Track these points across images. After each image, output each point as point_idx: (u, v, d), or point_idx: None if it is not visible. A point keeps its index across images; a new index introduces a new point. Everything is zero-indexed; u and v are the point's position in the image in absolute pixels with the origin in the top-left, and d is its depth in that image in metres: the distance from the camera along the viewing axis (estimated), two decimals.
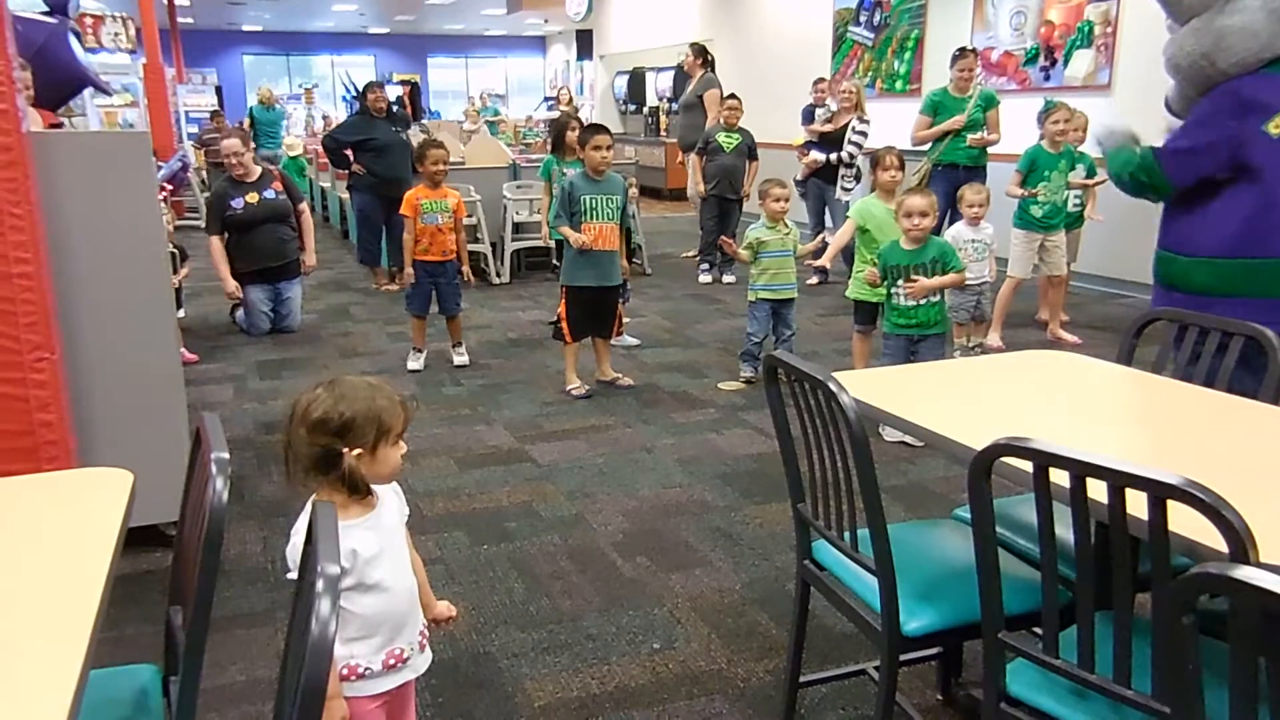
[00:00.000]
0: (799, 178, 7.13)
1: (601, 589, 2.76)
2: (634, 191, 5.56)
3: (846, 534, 1.81)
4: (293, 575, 1.46)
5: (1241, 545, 1.04)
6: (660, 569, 2.88)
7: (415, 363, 5.07)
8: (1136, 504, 1.20)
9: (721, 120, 7.12)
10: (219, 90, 19.65)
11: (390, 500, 1.63)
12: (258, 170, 5.80)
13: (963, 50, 6.21)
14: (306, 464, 1.49)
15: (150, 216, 2.94)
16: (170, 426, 2.95)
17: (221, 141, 6.07)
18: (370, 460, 1.51)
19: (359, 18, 23.29)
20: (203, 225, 6.13)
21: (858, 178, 6.88)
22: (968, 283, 4.97)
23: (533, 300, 6.89)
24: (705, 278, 7.44)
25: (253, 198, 5.68)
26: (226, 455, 1.42)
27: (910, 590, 1.75)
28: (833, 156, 6.90)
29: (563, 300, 4.56)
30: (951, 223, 5.39)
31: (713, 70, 7.92)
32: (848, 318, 4.70)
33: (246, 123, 14.49)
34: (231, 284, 5.66)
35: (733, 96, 7.19)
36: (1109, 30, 6.79)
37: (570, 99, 12.41)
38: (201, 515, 1.42)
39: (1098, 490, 1.24)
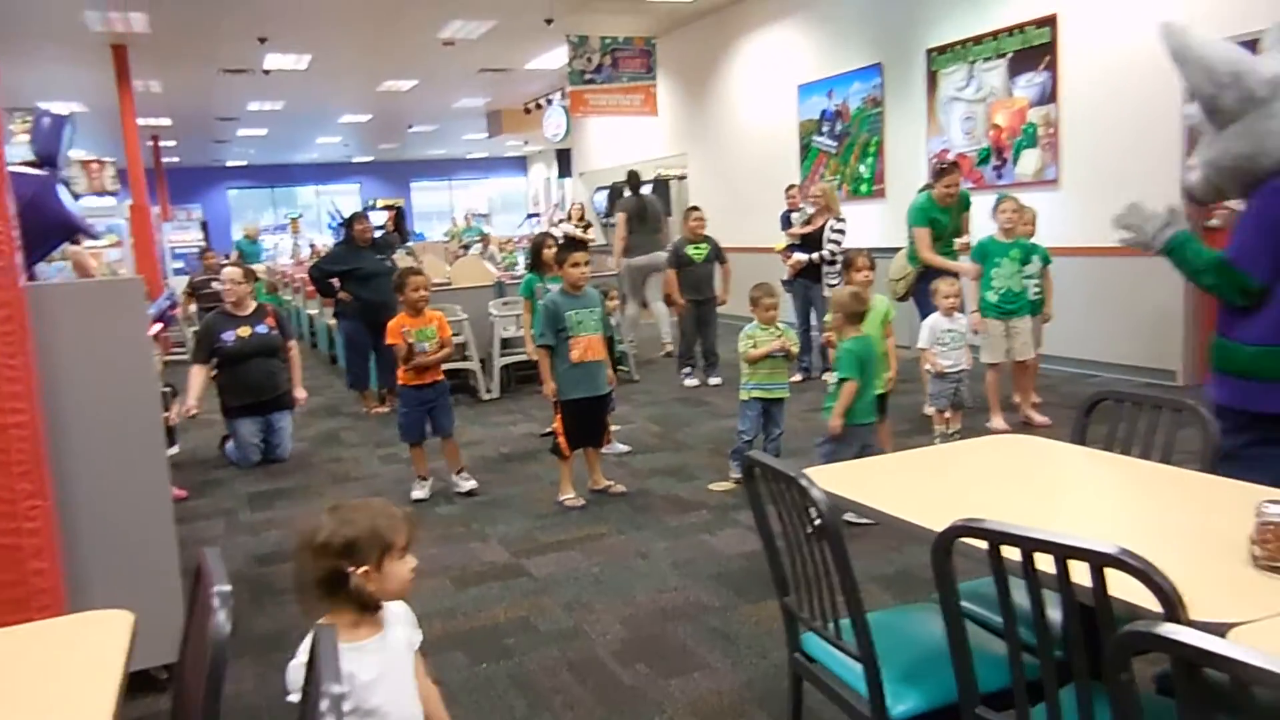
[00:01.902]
0: (785, 278, 7.40)
1: (603, 699, 2.78)
2: (612, 304, 5.75)
3: (831, 624, 1.88)
4: (293, 697, 1.51)
5: (1172, 605, 1.13)
6: (659, 675, 2.90)
7: (421, 491, 4.91)
8: (1084, 574, 1.29)
9: (687, 233, 7.51)
10: (204, 225, 20.24)
11: (399, 625, 1.68)
12: (252, 305, 5.96)
13: (949, 165, 6.34)
14: (316, 587, 1.55)
15: (143, 359, 3.03)
16: (161, 567, 2.95)
17: (222, 271, 6.18)
18: (378, 576, 1.58)
19: (343, 148, 24.14)
20: (189, 358, 6.14)
21: (841, 274, 7.12)
22: (946, 371, 5.14)
23: (523, 414, 7.00)
24: (690, 381, 7.59)
25: (244, 331, 5.82)
26: (228, 588, 1.45)
27: (895, 674, 1.80)
28: (814, 256, 7.16)
29: (557, 415, 4.67)
30: (925, 315, 5.57)
31: (635, 193, 8.61)
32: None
33: (235, 255, 14.96)
34: (191, 402, 5.53)
35: (695, 209, 7.69)
36: (1051, 131, 7.17)
37: (583, 213, 12.85)
38: (203, 651, 1.43)
39: (1048, 564, 1.33)
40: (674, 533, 4.19)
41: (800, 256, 7.24)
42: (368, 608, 1.58)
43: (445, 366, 5.05)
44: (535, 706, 2.76)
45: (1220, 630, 1.20)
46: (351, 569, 1.56)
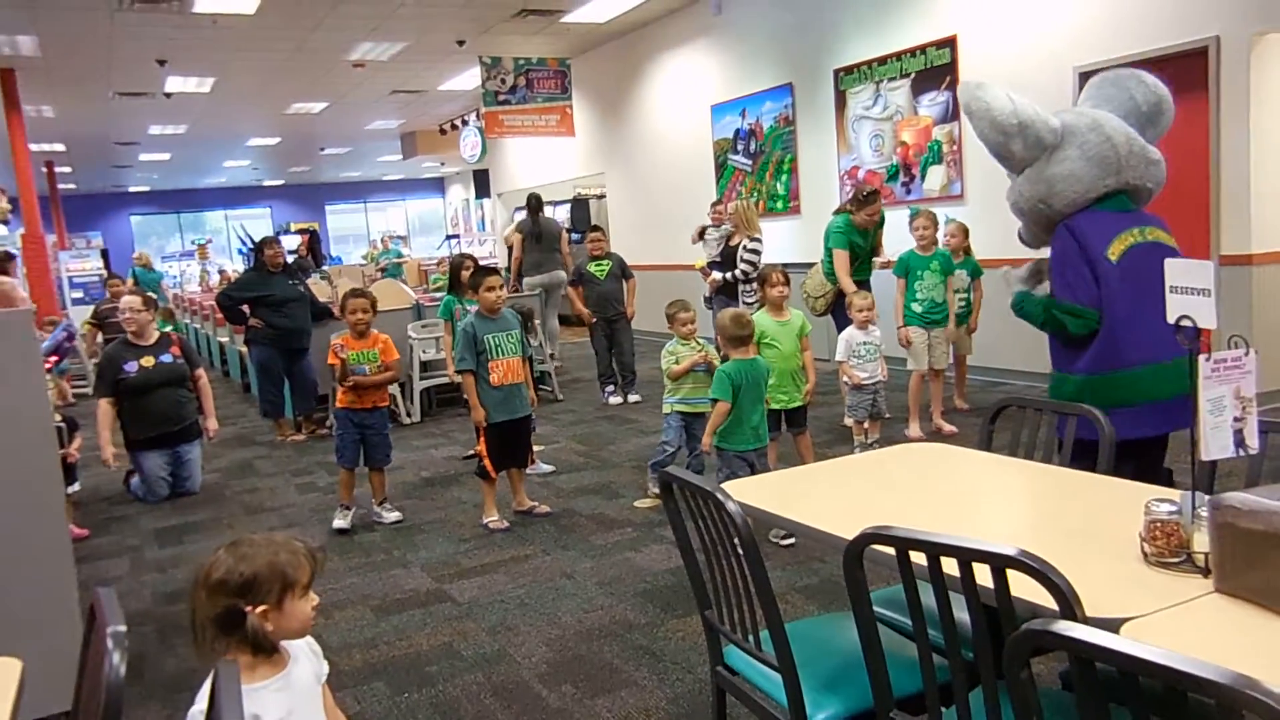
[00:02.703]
0: (707, 295, 7.48)
1: None
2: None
3: (751, 636, 1.89)
4: None
5: (1068, 604, 1.18)
6: (585, 695, 2.88)
7: (342, 520, 4.74)
8: (987, 577, 1.33)
9: (587, 253, 7.62)
10: (105, 253, 19.45)
11: (304, 660, 1.63)
12: (155, 334, 5.75)
13: (871, 193, 6.27)
14: (211, 627, 1.50)
15: (36, 394, 2.90)
16: (59, 609, 2.82)
17: (121, 300, 5.95)
18: (277, 615, 1.53)
19: (252, 172, 23.55)
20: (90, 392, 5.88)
21: (756, 291, 7.20)
22: (863, 382, 5.26)
23: (445, 437, 6.90)
24: (614, 399, 7.59)
25: (148, 361, 5.61)
26: (123, 629, 1.39)
27: (814, 683, 1.83)
28: (728, 275, 7.24)
29: (481, 439, 4.62)
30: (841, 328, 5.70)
31: (533, 215, 9.06)
32: None
33: (131, 283, 14.46)
34: (108, 452, 5.35)
35: (595, 229, 7.89)
36: (954, 148, 7.44)
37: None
38: (98, 696, 1.37)
39: (954, 567, 1.37)
40: (600, 551, 4.17)
41: (717, 275, 7.33)
42: (263, 649, 1.52)
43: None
44: None
45: (1114, 625, 1.26)
46: (249, 608, 1.50)
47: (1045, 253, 3.22)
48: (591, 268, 7.48)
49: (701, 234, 8.54)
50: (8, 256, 7.95)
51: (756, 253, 7.12)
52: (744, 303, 7.22)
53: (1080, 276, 2.86)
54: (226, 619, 1.49)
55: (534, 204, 9.00)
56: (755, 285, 7.12)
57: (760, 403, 4.03)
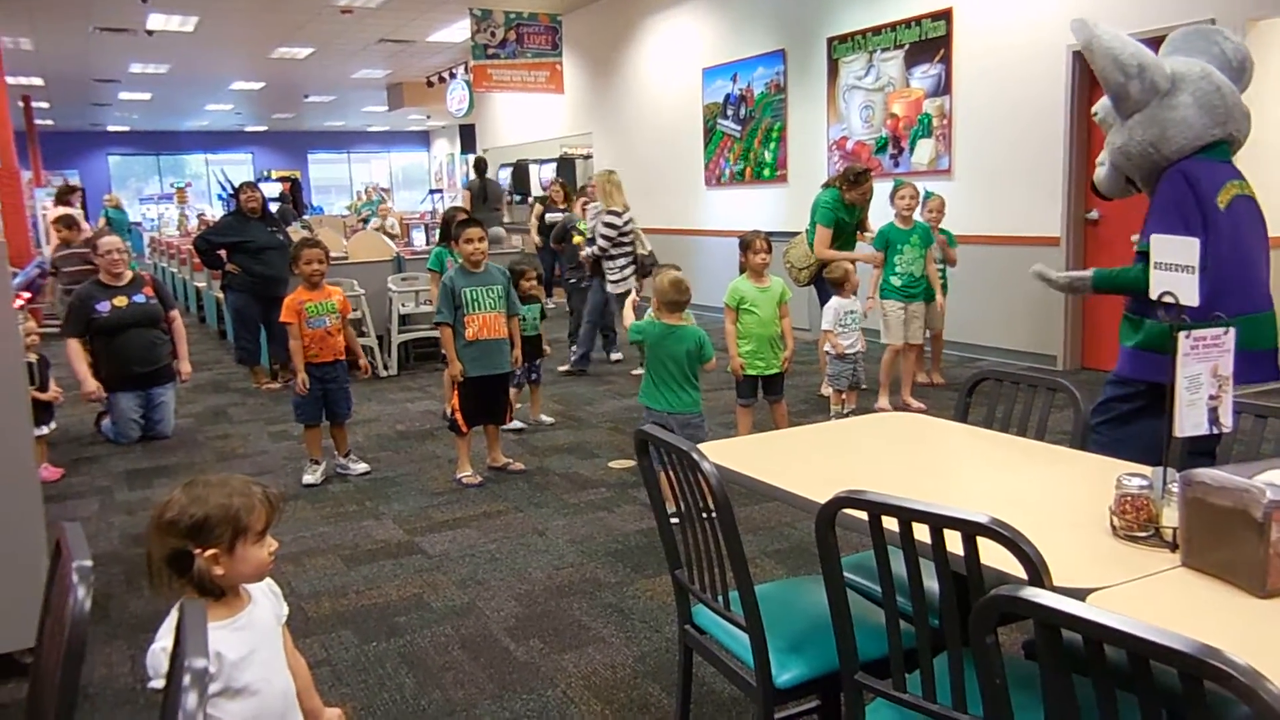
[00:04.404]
0: (587, 273, 7.22)
1: (494, 676, 2.76)
2: (528, 284, 5.55)
3: (720, 596, 1.90)
4: (155, 683, 1.44)
5: (1036, 572, 1.18)
6: (553, 650, 2.90)
7: (312, 475, 4.69)
8: (958, 544, 1.34)
9: (580, 211, 7.54)
10: (82, 192, 19.06)
11: (264, 600, 1.62)
12: (129, 274, 5.66)
13: (865, 172, 6.06)
14: (162, 567, 1.47)
15: (5, 329, 2.85)
16: (27, 548, 2.79)
17: (99, 240, 5.82)
18: (229, 560, 1.49)
19: (235, 116, 23.12)
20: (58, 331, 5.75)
21: (625, 268, 6.84)
22: (846, 352, 5.28)
23: (422, 391, 6.87)
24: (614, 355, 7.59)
25: (121, 301, 5.52)
26: (89, 564, 1.37)
27: (781, 644, 1.84)
28: (591, 250, 6.91)
29: (455, 393, 4.59)
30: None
31: (480, 175, 10.55)
32: (731, 392, 4.88)
33: (102, 222, 14.22)
34: (92, 384, 5.34)
35: (585, 190, 7.76)
36: (945, 122, 7.41)
37: (565, 193, 12.57)
38: (61, 631, 1.38)
39: (926, 534, 1.37)
40: (572, 510, 4.18)
41: (587, 251, 7.04)
42: (209, 592, 1.50)
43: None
44: (425, 684, 2.72)
45: (1080, 595, 1.27)
46: (198, 551, 1.48)
47: (1081, 272, 3.17)
48: (580, 226, 7.41)
49: (541, 216, 8.30)
50: None
51: (612, 226, 6.76)
52: (608, 281, 6.87)
53: (1193, 221, 2.85)
54: (175, 560, 1.47)
55: (480, 167, 10.19)
56: (623, 264, 6.85)
57: (681, 373, 3.89)
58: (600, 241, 6.81)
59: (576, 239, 7.44)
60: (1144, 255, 2.91)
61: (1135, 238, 3.02)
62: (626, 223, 6.81)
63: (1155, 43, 3.20)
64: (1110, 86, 3.00)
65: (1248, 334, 2.85)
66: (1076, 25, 3.01)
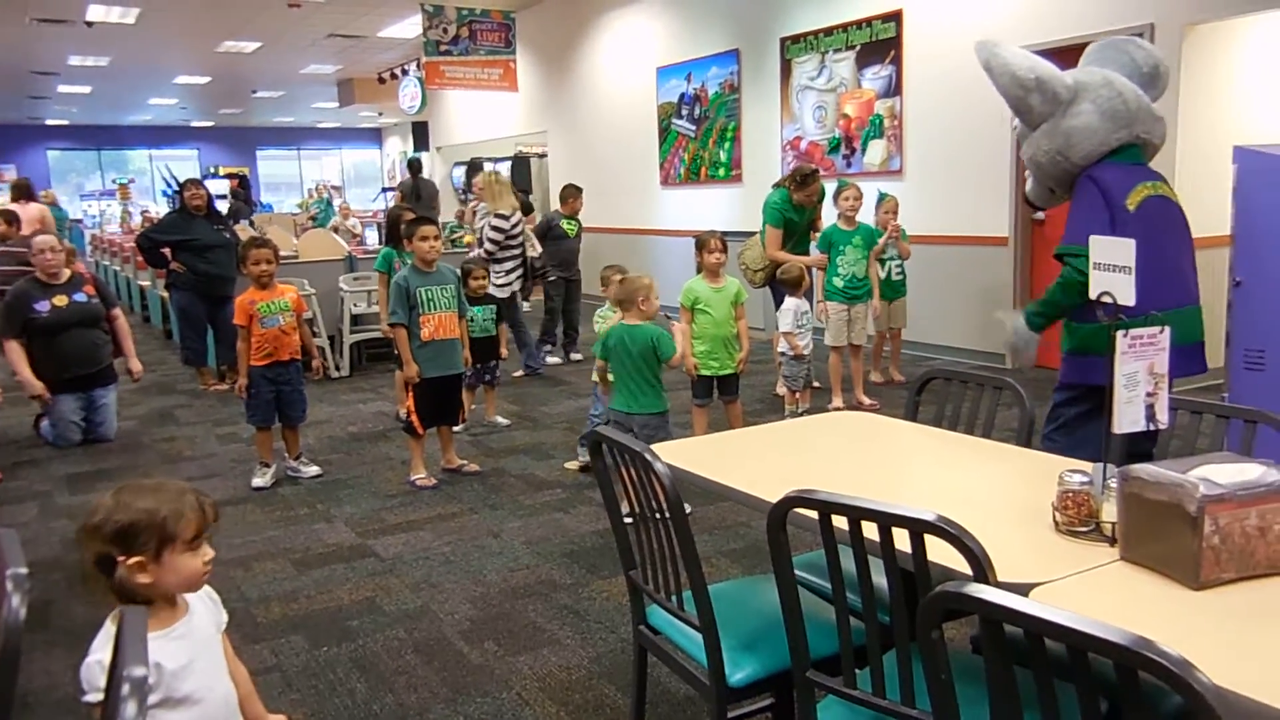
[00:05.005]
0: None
1: (448, 679, 2.73)
2: (476, 282, 5.48)
3: (674, 596, 1.91)
4: (89, 697, 1.40)
5: (981, 568, 1.21)
6: (508, 652, 2.88)
7: (262, 479, 4.61)
8: (906, 541, 1.36)
9: (565, 209, 7.55)
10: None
11: (201, 608, 1.58)
12: (67, 273, 5.50)
13: (813, 172, 6.04)
14: (93, 572, 1.43)
15: None
16: None
17: (33, 238, 5.66)
18: (156, 568, 1.45)
19: (179, 111, 22.61)
20: None
21: (513, 270, 6.74)
22: (802, 353, 5.34)
23: (374, 392, 6.79)
24: (553, 359, 7.55)
25: (61, 301, 5.37)
26: (24, 571, 1.35)
27: (734, 643, 1.85)
28: (479, 253, 6.75)
29: (410, 394, 4.54)
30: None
31: (414, 176, 11.28)
32: (688, 392, 4.89)
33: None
34: (38, 385, 5.23)
35: (576, 188, 7.74)
36: (896, 123, 7.51)
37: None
38: None
39: (875, 532, 1.39)
40: (528, 511, 4.16)
41: (475, 253, 6.84)
42: (135, 601, 1.44)
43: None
44: (377, 689, 2.69)
45: (1023, 590, 1.29)
46: (122, 558, 1.43)
47: (1016, 325, 3.24)
48: (564, 224, 7.47)
49: (474, 213, 8.13)
50: None
51: (499, 230, 6.65)
52: (494, 284, 6.50)
53: (1100, 224, 2.92)
54: (99, 567, 1.42)
55: (415, 167, 10.65)
56: (510, 267, 6.70)
57: (638, 371, 3.88)
58: (488, 244, 6.66)
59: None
60: (1060, 258, 3.03)
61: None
62: (515, 225, 6.71)
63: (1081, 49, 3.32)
64: (1012, 101, 3.11)
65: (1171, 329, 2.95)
66: (978, 46, 3.12)
